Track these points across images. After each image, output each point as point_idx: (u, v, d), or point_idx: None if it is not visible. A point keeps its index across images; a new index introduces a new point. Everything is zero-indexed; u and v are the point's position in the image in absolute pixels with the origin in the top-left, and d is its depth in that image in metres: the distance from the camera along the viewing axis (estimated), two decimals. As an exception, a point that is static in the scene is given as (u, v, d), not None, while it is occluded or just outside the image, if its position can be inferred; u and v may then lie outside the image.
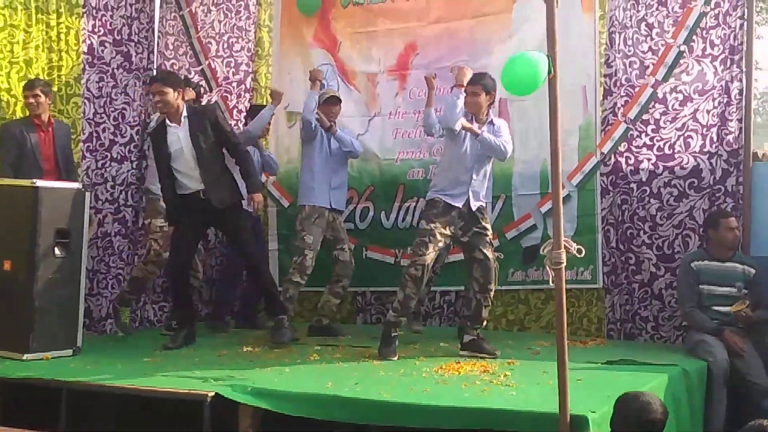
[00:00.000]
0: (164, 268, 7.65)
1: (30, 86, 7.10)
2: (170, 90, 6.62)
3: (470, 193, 6.45)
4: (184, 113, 6.70)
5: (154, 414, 5.58)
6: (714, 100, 7.04)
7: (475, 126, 6.40)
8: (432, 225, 6.39)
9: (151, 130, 7.03)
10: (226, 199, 6.77)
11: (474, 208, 6.48)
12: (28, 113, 7.14)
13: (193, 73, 8.79)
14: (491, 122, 6.52)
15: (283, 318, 6.92)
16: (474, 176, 6.47)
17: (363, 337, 7.23)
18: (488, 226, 6.59)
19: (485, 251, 6.45)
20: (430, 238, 6.36)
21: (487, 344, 6.43)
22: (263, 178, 8.08)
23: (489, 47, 7.77)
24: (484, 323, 6.60)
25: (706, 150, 7.03)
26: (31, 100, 7.06)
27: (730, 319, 6.41)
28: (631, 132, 7.25)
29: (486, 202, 6.84)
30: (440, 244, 6.46)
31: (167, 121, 6.72)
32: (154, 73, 8.42)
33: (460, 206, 6.44)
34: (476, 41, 7.87)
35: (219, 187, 6.74)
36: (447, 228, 6.43)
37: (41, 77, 7.39)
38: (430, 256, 6.38)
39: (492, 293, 6.48)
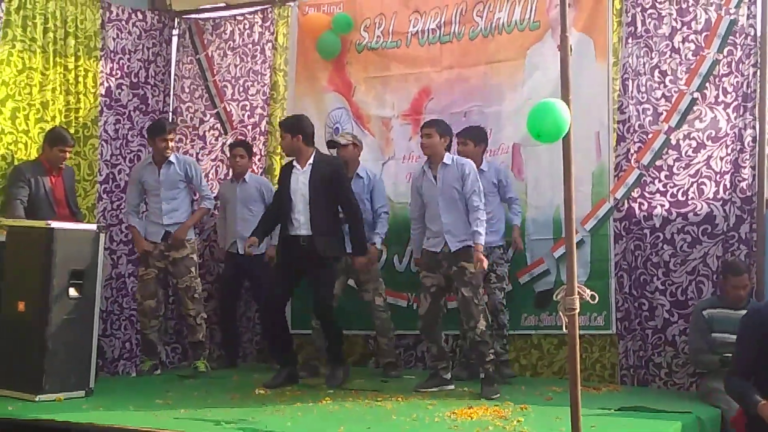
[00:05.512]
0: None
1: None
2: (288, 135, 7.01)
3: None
4: (311, 160, 6.98)
5: (166, 456, 5.57)
6: (727, 147, 7.05)
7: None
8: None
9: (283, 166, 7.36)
10: (329, 250, 6.95)
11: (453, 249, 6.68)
12: (36, 157, 7.20)
13: (208, 116, 8.88)
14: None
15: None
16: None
17: (376, 380, 7.25)
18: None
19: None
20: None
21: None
22: None
23: (501, 93, 7.84)
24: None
25: (719, 197, 7.03)
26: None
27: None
28: (644, 178, 7.25)
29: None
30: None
31: (294, 163, 7.03)
32: (170, 116, 8.53)
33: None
34: (489, 87, 7.92)
35: (326, 236, 6.92)
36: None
37: (58, 119, 7.47)
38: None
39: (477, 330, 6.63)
